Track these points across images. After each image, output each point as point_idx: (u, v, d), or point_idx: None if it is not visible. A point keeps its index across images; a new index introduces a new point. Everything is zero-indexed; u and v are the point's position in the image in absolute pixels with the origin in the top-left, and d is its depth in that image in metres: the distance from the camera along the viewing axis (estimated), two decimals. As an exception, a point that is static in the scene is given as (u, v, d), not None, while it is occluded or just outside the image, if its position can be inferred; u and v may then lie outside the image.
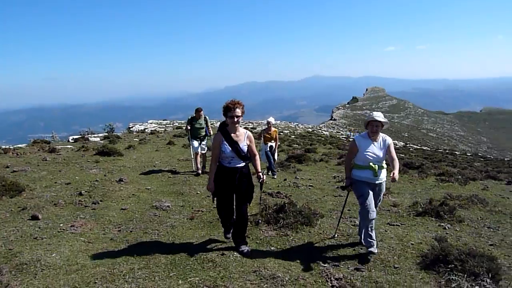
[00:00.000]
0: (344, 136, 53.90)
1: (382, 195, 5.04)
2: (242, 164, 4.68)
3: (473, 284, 3.96)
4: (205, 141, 10.69)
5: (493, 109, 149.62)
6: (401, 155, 26.75)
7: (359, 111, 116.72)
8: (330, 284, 3.96)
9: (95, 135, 23.95)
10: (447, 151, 47.85)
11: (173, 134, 25.39)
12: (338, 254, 4.87)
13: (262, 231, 5.65)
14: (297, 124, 66.81)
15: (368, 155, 4.69)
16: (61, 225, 5.86)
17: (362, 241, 4.85)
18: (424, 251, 4.92)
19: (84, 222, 6.02)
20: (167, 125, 39.70)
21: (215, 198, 4.88)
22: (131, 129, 34.87)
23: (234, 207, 4.88)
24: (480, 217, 6.93)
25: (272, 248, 5.08)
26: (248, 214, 6.66)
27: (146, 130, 31.93)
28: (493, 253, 4.79)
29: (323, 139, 37.76)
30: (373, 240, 4.78)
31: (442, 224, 6.37)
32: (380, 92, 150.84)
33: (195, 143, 10.47)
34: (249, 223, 5.97)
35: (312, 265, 4.51)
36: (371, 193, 4.74)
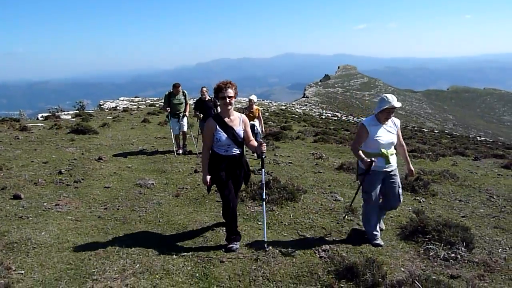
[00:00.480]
0: (317, 113, 54.58)
1: (399, 182, 4.54)
2: (239, 151, 4.28)
3: (449, 252, 4.27)
4: (185, 119, 10.22)
5: (459, 88, 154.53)
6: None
7: (331, 88, 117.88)
8: (318, 255, 4.17)
9: (66, 113, 23.25)
10: (416, 128, 49.40)
11: (146, 112, 24.94)
12: (323, 227, 5.09)
13: (248, 207, 5.81)
14: (271, 102, 66.97)
15: (379, 140, 4.24)
16: (45, 204, 5.81)
17: (367, 235, 4.55)
18: (403, 223, 5.22)
19: (69, 200, 5.99)
20: (139, 103, 38.89)
21: (222, 193, 4.30)
22: (102, 106, 34.00)
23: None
24: (452, 191, 7.35)
25: (259, 223, 5.25)
26: None
27: (118, 107, 31.21)
28: (466, 224, 5.13)
29: (297, 116, 38.10)
30: (378, 232, 4.56)
31: (417, 198, 6.73)
32: (351, 70, 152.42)
33: (174, 123, 10.06)
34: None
35: (299, 238, 4.71)
36: (378, 188, 4.39)
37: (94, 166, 8.34)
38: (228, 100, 4.08)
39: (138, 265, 3.86)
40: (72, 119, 18.65)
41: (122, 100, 40.81)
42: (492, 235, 5.04)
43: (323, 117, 48.72)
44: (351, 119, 54.76)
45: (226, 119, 4.20)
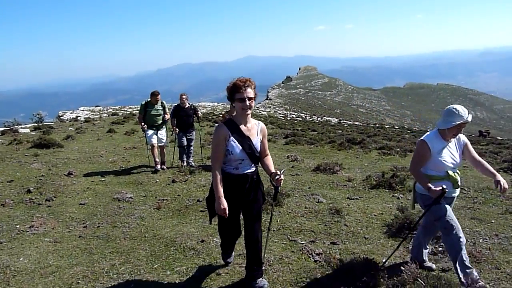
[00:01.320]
0: (282, 115, 55.11)
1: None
2: (253, 169, 3.42)
3: (436, 246, 4.42)
4: (163, 131, 9.33)
5: (415, 84, 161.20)
6: (338, 131, 28.07)
7: (293, 90, 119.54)
8: (313, 259, 4.18)
9: (23, 126, 22.16)
10: (377, 125, 50.95)
11: (110, 121, 24.23)
12: (312, 230, 5.12)
13: (234, 215, 5.74)
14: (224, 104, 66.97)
15: (444, 160, 3.58)
16: (18, 226, 5.49)
17: (458, 273, 3.44)
18: (388, 220, 5.34)
19: (43, 221, 5.68)
20: (101, 112, 37.73)
21: (216, 218, 3.55)
22: (61, 117, 32.67)
23: (243, 226, 3.66)
24: (426, 185, 7.61)
25: (248, 230, 5.20)
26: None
27: (79, 118, 30.11)
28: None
29: (262, 119, 38.30)
30: (470, 267, 3.51)
31: (395, 194, 6.92)
32: (312, 71, 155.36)
33: (151, 134, 9.03)
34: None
35: (290, 243, 4.71)
36: (451, 210, 3.63)
37: (64, 182, 7.99)
38: (248, 102, 3.19)
39: (132, 285, 3.71)
40: (32, 133, 17.79)
41: (83, 110, 39.43)
42: (472, 227, 5.26)
43: (288, 118, 49.25)
44: (315, 119, 55.75)
45: (243, 127, 3.32)
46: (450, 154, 3.61)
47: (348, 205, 6.23)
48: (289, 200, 6.44)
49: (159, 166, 9.11)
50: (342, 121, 59.49)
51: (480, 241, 4.75)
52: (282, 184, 3.44)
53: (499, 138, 38.86)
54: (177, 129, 9.23)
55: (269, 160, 3.53)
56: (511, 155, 11.11)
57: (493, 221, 5.47)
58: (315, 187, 7.47)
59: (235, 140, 3.27)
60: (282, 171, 3.33)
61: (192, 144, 9.66)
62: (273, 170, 3.41)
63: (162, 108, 9.15)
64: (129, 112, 32.85)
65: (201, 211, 6.03)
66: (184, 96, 9.34)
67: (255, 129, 3.41)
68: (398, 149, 12.77)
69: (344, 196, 6.82)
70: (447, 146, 3.63)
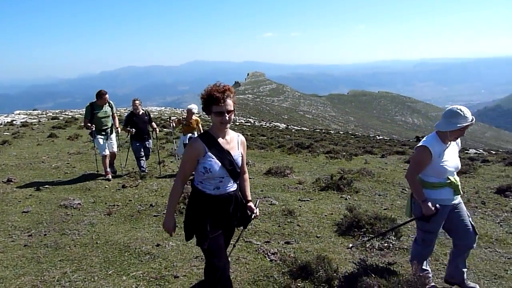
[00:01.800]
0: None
1: (466, 210, 3.63)
2: (235, 186, 2.97)
3: (382, 242, 4.73)
4: (113, 136, 8.57)
5: (358, 91, 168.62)
6: (286, 136, 28.70)
7: (242, 95, 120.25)
8: (269, 259, 4.30)
9: (-49, 131, 20.37)
10: (323, 131, 52.70)
11: (51, 126, 22.96)
12: (266, 231, 5.25)
13: (189, 219, 5.74)
14: (183, 110, 66.08)
15: (446, 165, 3.35)
16: (-47, 237, 5.10)
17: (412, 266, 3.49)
18: (337, 220, 5.61)
19: (-18, 231, 5.33)
20: (39, 116, 35.60)
21: (208, 256, 2.92)
22: (-5, 122, 30.42)
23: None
24: (371, 186, 8.06)
25: (203, 233, 5.23)
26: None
27: (14, 122, 28.22)
28: (390, 215, 5.69)
29: (210, 123, 38.18)
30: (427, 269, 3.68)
31: (343, 196, 7.26)
32: (260, 77, 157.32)
33: (101, 140, 8.23)
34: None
35: (246, 244, 4.80)
36: (440, 228, 3.55)
37: (4, 190, 7.52)
38: (227, 117, 2.75)
39: (87, 292, 3.62)
40: (-38, 138, 16.45)
41: (19, 114, 36.92)
42: (412, 223, 5.66)
43: (237, 123, 49.51)
44: (264, 124, 56.51)
45: (221, 140, 2.87)
46: (451, 158, 3.40)
47: (300, 206, 6.45)
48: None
49: (110, 176, 8.47)
50: (289, 127, 60.80)
51: (420, 236, 5.13)
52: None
53: (433, 142, 41.58)
54: (133, 129, 8.37)
55: (246, 181, 3.13)
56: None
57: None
58: (267, 190, 7.64)
59: (213, 156, 2.79)
60: (257, 204, 3.09)
61: (149, 154, 9.14)
62: (249, 196, 3.11)
63: (110, 109, 8.43)
64: (70, 116, 31.31)
65: (154, 215, 5.96)
66: (137, 102, 8.63)
67: (235, 142, 2.96)
68: (344, 153, 13.34)
69: (295, 198, 7.04)
70: (447, 150, 3.40)
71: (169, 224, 2.92)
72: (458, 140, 3.57)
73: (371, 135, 50.95)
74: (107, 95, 8.23)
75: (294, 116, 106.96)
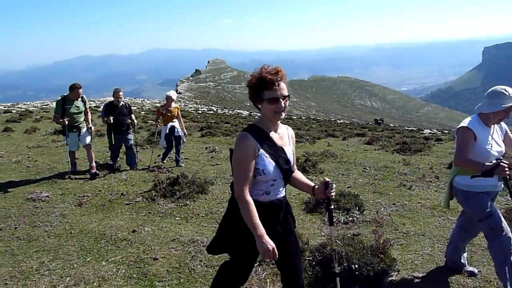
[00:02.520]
0: (193, 109, 54.76)
1: None
2: (284, 192, 2.52)
3: (347, 216, 5.09)
4: (85, 130, 7.93)
5: (318, 77, 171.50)
6: (249, 122, 28.91)
7: (203, 83, 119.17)
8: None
9: None
10: (286, 117, 53.45)
11: (4, 120, 21.94)
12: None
13: (161, 205, 5.86)
14: (143, 100, 64.71)
15: (490, 149, 3.16)
16: None
17: (506, 283, 3.07)
18: (305, 199, 5.92)
19: None
20: (-11, 110, 33.77)
21: (235, 269, 2.52)
22: None
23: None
24: (334, 167, 8.47)
25: (177, 218, 5.38)
26: (141, 191, 6.59)
27: (-39, 117, 26.67)
28: (354, 192, 6.07)
29: (175, 113, 37.77)
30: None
31: (309, 177, 7.59)
32: (221, 64, 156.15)
33: (72, 136, 7.74)
34: (144, 199, 6.12)
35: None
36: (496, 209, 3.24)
37: (-37, 186, 7.26)
38: (282, 103, 2.31)
39: (68, 278, 3.68)
40: None
41: (-35, 108, 34.85)
42: (374, 199, 6.08)
43: (200, 112, 49.18)
44: (227, 112, 56.45)
45: (273, 134, 2.41)
46: (495, 142, 3.20)
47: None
48: (213, 187, 6.72)
49: (94, 170, 7.80)
50: (252, 113, 61.11)
51: (382, 209, 5.55)
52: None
53: (391, 125, 43.46)
54: (111, 117, 7.88)
55: (300, 174, 2.67)
56: (402, 139, 12.72)
57: (390, 193, 6.39)
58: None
59: (267, 155, 2.32)
60: (331, 184, 2.46)
61: (132, 147, 8.44)
62: (312, 183, 2.58)
63: (83, 104, 7.83)
64: (24, 109, 29.91)
65: (126, 204, 6.02)
66: (120, 93, 8.18)
67: (286, 137, 2.51)
68: (307, 137, 13.78)
69: (264, 181, 7.30)
70: (491, 133, 3.20)
71: (269, 246, 2.19)
72: (504, 124, 3.33)
73: (332, 119, 52.32)
74: (81, 90, 7.66)
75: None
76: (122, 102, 8.21)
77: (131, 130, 8.47)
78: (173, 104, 8.64)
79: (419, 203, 5.83)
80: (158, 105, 53.84)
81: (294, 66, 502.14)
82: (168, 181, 6.39)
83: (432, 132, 24.73)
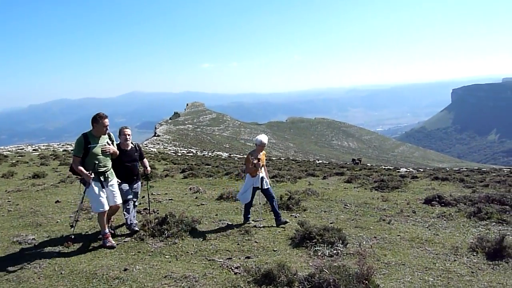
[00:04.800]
0: (172, 151, 54.67)
1: None
2: None
3: (332, 250, 5.32)
4: (114, 180, 6.01)
5: (296, 118, 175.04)
6: (231, 164, 29.17)
7: (182, 125, 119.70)
8: (233, 272, 4.69)
9: None
10: (266, 157, 53.99)
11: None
12: (227, 250, 5.62)
13: (150, 244, 5.95)
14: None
15: None
16: None
17: None
18: (290, 235, 6.14)
19: None
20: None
21: None
22: None
23: None
24: (317, 205, 8.75)
25: (167, 256, 5.48)
26: (130, 231, 6.27)
27: None
28: (338, 227, 6.33)
29: (153, 155, 37.68)
30: None
31: (293, 214, 7.84)
32: (200, 107, 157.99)
33: (97, 189, 5.69)
34: (133, 239, 6.20)
35: (209, 262, 5.14)
36: None
37: None
38: None
39: (64, 316, 3.74)
40: None
41: None
42: (356, 233, 6.35)
43: (180, 154, 49.18)
44: (206, 153, 56.63)
45: None
46: None
47: (255, 226, 6.90)
48: (200, 226, 6.86)
49: (112, 240, 5.98)
50: (232, 155, 61.45)
51: (364, 242, 5.82)
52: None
53: (369, 164, 44.42)
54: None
55: None
56: (379, 177, 13.21)
57: (371, 228, 6.68)
58: (221, 214, 8.00)
59: None
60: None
61: (136, 199, 6.80)
62: None
63: (110, 142, 6.08)
64: None
65: (117, 243, 6.08)
66: (127, 131, 6.52)
67: None
68: (289, 177, 14.09)
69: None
70: None
71: None
72: None
73: (311, 160, 53.09)
74: (107, 120, 5.81)
75: (236, 144, 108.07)
76: (131, 144, 6.64)
77: (144, 183, 7.18)
78: (262, 151, 7.25)
79: (398, 235, 6.13)
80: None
81: (273, 108, 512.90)
82: (156, 220, 6.51)
83: (408, 170, 25.51)
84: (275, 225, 6.85)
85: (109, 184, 5.87)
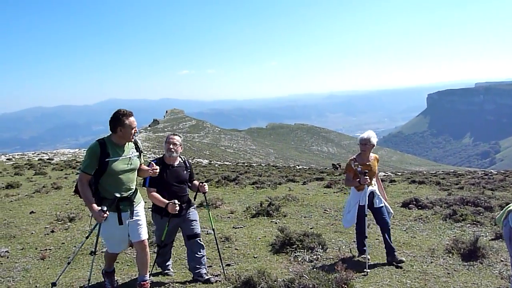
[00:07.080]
0: (152, 158, 53.96)
1: None
2: None
3: (312, 255, 5.36)
4: (141, 205, 4.26)
5: (276, 124, 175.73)
6: (211, 170, 29.03)
7: (161, 133, 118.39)
8: (214, 281, 4.65)
9: None
10: (246, 164, 53.91)
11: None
12: (207, 258, 5.57)
13: (129, 254, 5.86)
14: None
15: None
16: None
17: None
18: (271, 241, 6.15)
19: None
20: None
21: None
22: None
23: None
24: (297, 210, 8.80)
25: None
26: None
27: None
28: (317, 232, 6.37)
29: (133, 163, 37.17)
30: None
31: (273, 220, 7.86)
32: (179, 114, 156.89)
33: (113, 221, 3.95)
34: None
35: (190, 272, 5.08)
36: None
37: None
38: None
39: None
40: None
41: None
42: (336, 238, 6.42)
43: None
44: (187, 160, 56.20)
45: None
46: None
47: (235, 233, 6.89)
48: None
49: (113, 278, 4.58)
50: (212, 162, 61.13)
51: (343, 247, 5.88)
52: None
53: (347, 168, 44.90)
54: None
55: None
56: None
57: (350, 232, 6.73)
58: (202, 221, 7.87)
59: None
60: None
61: (199, 235, 4.90)
62: None
63: (138, 153, 4.26)
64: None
65: (90, 254, 5.95)
66: (175, 139, 4.73)
67: None
68: (269, 183, 14.12)
69: (230, 226, 7.47)
70: None
71: None
72: None
73: (291, 166, 53.37)
74: (133, 119, 4.12)
75: (216, 151, 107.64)
76: (179, 159, 4.87)
77: (194, 206, 5.00)
78: (372, 155, 5.35)
79: (377, 239, 6.22)
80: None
81: (252, 114, 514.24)
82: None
83: (387, 174, 25.97)
84: (387, 261, 5.09)
85: (133, 212, 4.07)
